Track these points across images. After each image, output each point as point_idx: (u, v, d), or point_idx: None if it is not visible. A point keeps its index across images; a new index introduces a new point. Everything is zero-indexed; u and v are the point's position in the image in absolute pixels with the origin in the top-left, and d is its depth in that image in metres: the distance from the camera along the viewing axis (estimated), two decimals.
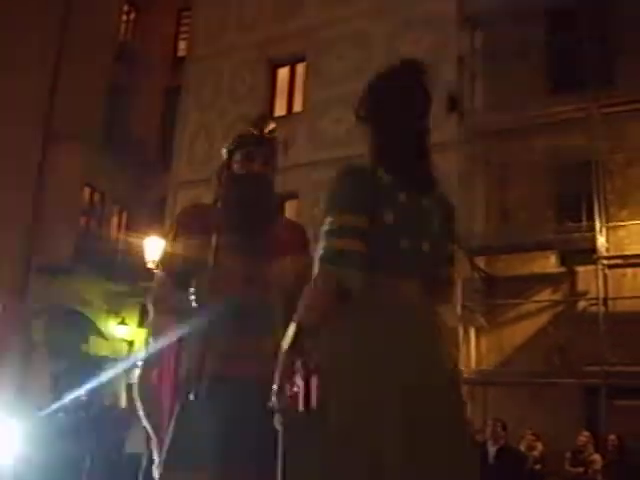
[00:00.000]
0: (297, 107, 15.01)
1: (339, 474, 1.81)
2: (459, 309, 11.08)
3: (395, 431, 1.81)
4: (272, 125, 2.81)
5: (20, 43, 16.02)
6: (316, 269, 1.95)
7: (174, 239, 2.65)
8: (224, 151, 2.80)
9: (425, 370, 1.91)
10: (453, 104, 12.23)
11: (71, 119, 16.70)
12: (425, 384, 1.89)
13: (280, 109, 15.38)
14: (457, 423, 1.95)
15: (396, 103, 2.15)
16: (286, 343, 1.92)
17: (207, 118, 15.99)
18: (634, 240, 11.06)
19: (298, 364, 1.87)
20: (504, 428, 9.14)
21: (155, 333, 2.62)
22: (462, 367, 10.90)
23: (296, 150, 14.16)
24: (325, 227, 1.99)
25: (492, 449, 8.34)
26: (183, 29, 20.41)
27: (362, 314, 1.94)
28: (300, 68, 15.24)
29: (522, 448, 9.38)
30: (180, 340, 2.59)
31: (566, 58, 12.03)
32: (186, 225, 2.67)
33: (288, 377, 1.89)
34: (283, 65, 15.64)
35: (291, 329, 1.92)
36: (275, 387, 1.90)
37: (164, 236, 2.80)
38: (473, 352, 11.23)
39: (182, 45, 20.09)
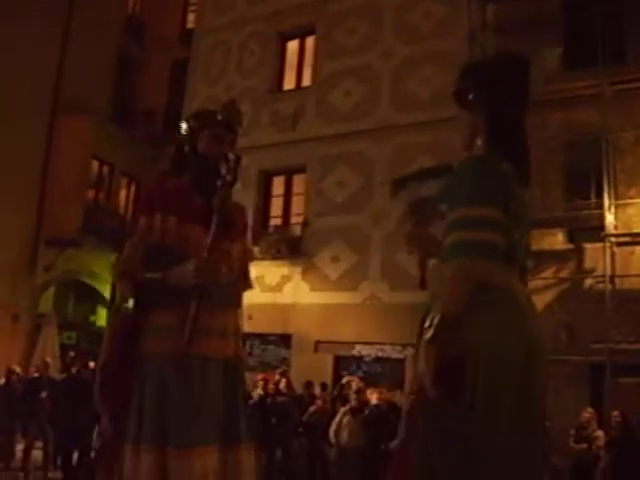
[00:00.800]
0: (306, 81, 14.92)
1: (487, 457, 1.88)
2: None
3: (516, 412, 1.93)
4: (240, 112, 2.93)
5: (28, 15, 15.93)
6: (455, 260, 1.97)
7: (150, 212, 2.69)
8: (185, 126, 2.86)
9: (542, 354, 2.04)
10: None
11: (79, 91, 16.66)
12: (543, 369, 2.05)
13: (289, 83, 15.29)
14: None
15: (514, 94, 2.18)
16: (430, 335, 1.95)
17: (215, 91, 15.93)
18: None
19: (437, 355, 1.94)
20: None
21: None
22: None
23: (305, 124, 14.11)
24: (459, 218, 1.99)
25: None
26: (192, 1, 20.26)
27: (501, 303, 1.98)
28: (310, 41, 15.13)
29: None
30: (139, 315, 2.63)
31: (579, 34, 11.90)
32: (163, 200, 2.71)
33: (435, 369, 1.94)
34: (292, 38, 15.53)
35: (436, 321, 1.95)
36: (426, 381, 1.95)
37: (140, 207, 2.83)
38: None
39: (191, 17, 19.96)
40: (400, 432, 9.13)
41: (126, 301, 2.68)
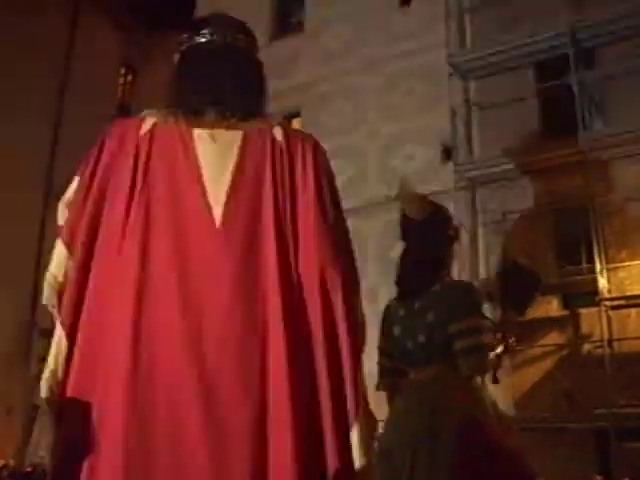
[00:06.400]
0: None
1: None
2: None
3: None
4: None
5: (22, 105, 16.31)
6: None
7: None
8: None
9: None
10: (448, 154, 12.39)
11: (71, 178, 16.87)
12: None
13: None
14: None
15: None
16: None
17: None
18: (635, 280, 11.05)
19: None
20: None
21: None
22: None
23: None
24: None
25: None
26: None
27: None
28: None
29: None
30: None
31: (556, 104, 12.23)
32: None
33: None
34: None
35: None
36: None
37: None
38: None
39: None
40: None
41: None
